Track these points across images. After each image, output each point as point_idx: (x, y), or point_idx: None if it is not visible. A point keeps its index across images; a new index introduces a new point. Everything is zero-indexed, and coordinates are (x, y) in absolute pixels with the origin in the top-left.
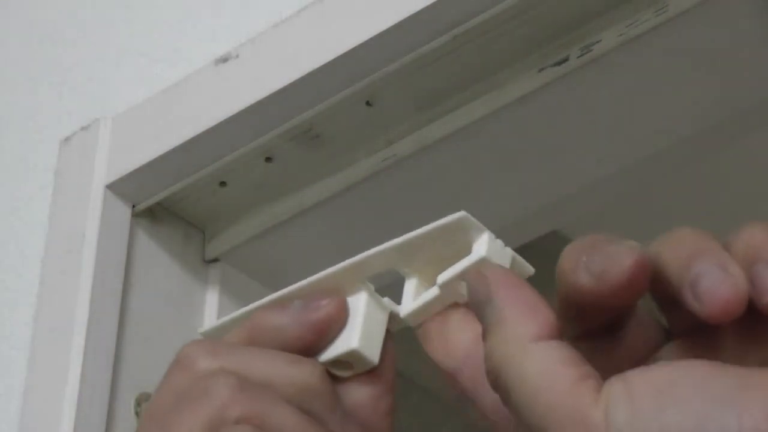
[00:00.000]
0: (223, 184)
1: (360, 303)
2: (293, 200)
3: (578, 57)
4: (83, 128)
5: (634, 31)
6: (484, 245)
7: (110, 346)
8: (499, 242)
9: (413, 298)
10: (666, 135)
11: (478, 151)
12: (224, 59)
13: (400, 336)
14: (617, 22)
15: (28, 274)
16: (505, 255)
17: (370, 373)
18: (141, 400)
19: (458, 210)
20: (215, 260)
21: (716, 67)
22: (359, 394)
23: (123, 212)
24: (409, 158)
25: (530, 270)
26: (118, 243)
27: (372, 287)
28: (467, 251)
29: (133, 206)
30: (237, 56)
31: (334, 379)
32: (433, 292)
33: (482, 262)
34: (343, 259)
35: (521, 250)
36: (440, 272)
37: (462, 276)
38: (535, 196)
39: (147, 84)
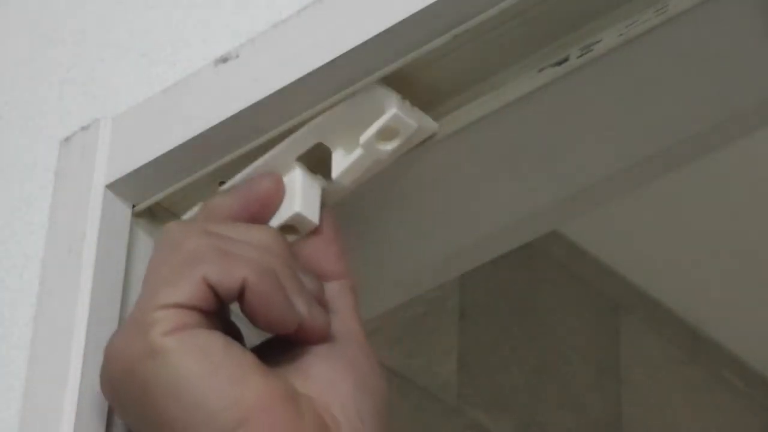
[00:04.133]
0: (223, 184)
1: (296, 176)
2: None
3: (578, 57)
4: (83, 128)
5: (634, 31)
6: (393, 104)
7: None
8: (407, 103)
9: (342, 162)
10: (666, 135)
11: (478, 151)
12: (224, 59)
13: (401, 337)
14: (617, 22)
15: (28, 274)
16: (413, 113)
17: (315, 230)
18: None
19: (460, 210)
20: None
21: (716, 67)
22: (309, 247)
23: (123, 212)
24: (409, 158)
25: (434, 126)
26: (118, 243)
27: (304, 165)
28: (381, 114)
29: (133, 206)
30: (237, 56)
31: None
32: (358, 152)
33: (395, 116)
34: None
35: (521, 250)
36: (360, 134)
37: (379, 134)
38: (535, 196)
39: (147, 84)
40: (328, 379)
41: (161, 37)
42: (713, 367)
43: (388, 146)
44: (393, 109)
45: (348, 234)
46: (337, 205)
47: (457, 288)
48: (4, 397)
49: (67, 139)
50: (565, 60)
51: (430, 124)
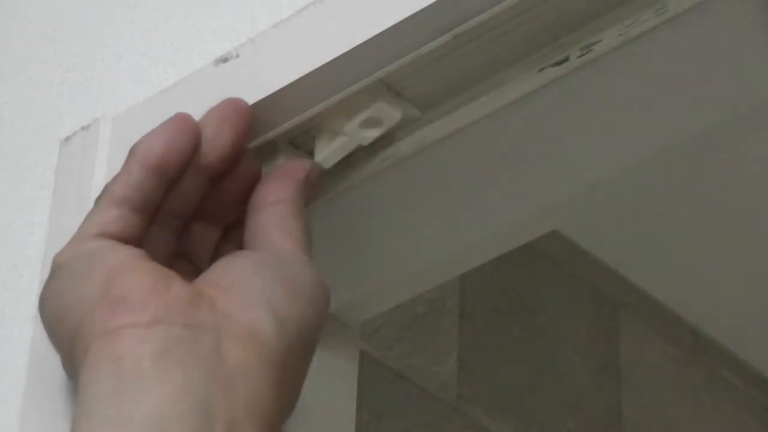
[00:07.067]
0: None
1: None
2: None
3: (578, 57)
4: (83, 128)
5: (634, 31)
6: (380, 95)
7: None
8: (392, 93)
9: (325, 147)
10: (666, 135)
11: (478, 151)
12: (224, 59)
13: (401, 337)
14: (617, 22)
15: (28, 274)
16: (398, 103)
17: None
18: None
19: (460, 210)
20: None
21: (716, 67)
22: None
23: None
24: (409, 158)
25: (417, 113)
26: None
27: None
28: (367, 104)
29: None
30: (237, 56)
31: None
32: (342, 139)
33: (381, 108)
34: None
35: (521, 250)
36: (346, 123)
37: (364, 123)
38: (535, 196)
39: (147, 84)
40: (221, 266)
41: (161, 37)
42: (713, 367)
43: (371, 133)
44: (379, 101)
45: (348, 234)
46: (337, 206)
47: (457, 288)
48: (4, 397)
49: (67, 139)
50: (565, 60)
51: (413, 112)
